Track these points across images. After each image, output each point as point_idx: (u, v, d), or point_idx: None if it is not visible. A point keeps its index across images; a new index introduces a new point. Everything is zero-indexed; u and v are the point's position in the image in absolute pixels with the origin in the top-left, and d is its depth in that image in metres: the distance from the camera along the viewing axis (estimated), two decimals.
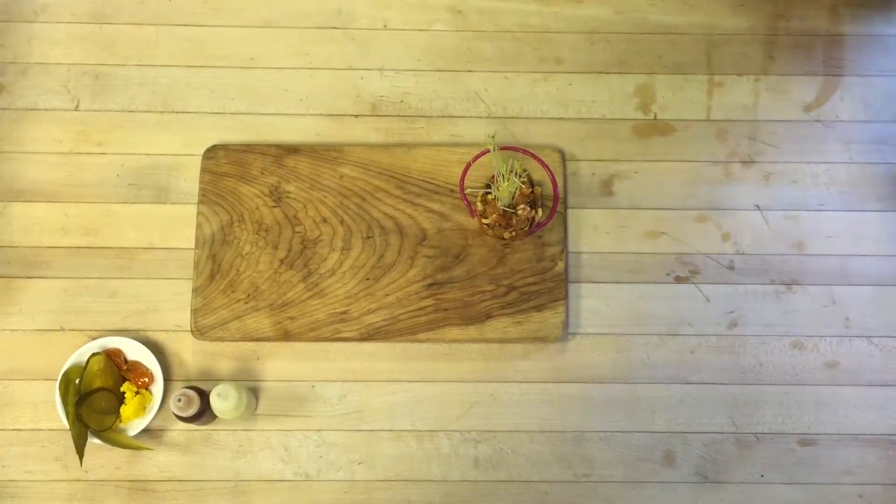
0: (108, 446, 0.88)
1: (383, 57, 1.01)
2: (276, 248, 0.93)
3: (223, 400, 0.83)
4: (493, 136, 0.87)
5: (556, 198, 0.93)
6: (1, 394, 0.91)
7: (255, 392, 0.91)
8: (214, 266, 0.92)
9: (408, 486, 0.90)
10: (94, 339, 0.92)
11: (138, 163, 0.97)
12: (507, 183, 0.88)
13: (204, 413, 0.85)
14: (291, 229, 0.94)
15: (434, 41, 1.02)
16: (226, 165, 0.95)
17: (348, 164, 0.96)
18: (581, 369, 0.93)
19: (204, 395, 0.85)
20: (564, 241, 0.94)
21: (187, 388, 0.84)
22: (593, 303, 0.94)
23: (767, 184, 0.98)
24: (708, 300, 0.95)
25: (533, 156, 0.95)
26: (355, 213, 0.94)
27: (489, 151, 0.89)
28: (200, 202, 0.94)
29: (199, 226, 0.94)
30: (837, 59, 1.02)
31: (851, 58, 1.02)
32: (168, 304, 0.93)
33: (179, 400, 0.83)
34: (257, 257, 0.93)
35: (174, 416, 0.85)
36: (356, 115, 0.99)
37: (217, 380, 0.92)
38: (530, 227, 0.90)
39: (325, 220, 0.94)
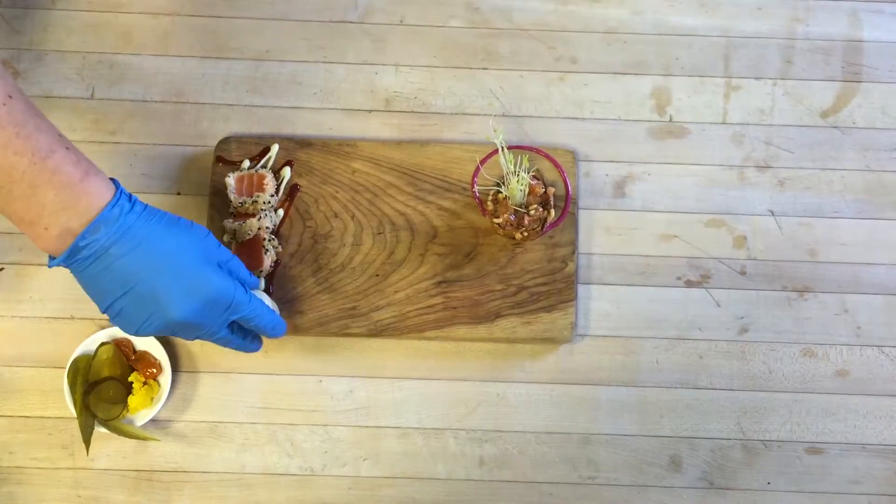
0: (115, 436, 0.88)
1: (399, 52, 1.01)
2: (286, 241, 0.93)
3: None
4: (496, 130, 0.85)
5: (568, 198, 0.93)
6: (10, 380, 0.92)
7: (261, 384, 0.91)
8: None
9: (412, 483, 0.90)
10: (103, 328, 0.92)
11: (151, 153, 0.97)
12: (517, 180, 0.87)
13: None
14: (302, 223, 0.94)
15: (450, 38, 1.01)
16: (238, 157, 0.95)
17: (360, 159, 0.95)
18: (589, 371, 0.93)
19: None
20: (575, 242, 0.94)
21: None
22: (603, 305, 0.94)
23: (782, 189, 0.97)
24: (718, 305, 0.94)
25: (546, 155, 0.94)
26: (366, 209, 0.94)
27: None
28: (212, 194, 0.94)
29: (210, 218, 0.94)
30: (856, 65, 1.01)
31: (870, 64, 1.01)
32: None
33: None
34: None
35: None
36: (370, 111, 0.99)
37: (225, 371, 0.92)
38: (542, 228, 0.90)
39: (336, 215, 0.94)
